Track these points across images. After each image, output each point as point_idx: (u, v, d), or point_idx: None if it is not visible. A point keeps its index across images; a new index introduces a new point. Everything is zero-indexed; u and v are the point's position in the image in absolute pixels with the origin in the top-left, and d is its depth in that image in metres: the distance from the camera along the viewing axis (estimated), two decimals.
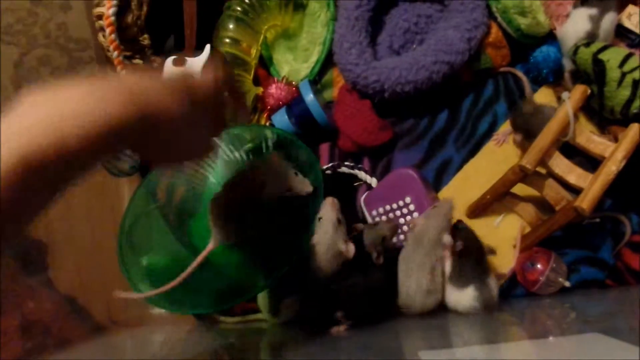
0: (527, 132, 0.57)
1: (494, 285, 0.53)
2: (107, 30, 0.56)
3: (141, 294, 0.53)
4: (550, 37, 0.62)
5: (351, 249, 0.52)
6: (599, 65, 0.53)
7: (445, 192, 0.63)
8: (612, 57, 0.52)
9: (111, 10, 0.56)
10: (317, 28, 0.65)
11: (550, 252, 0.57)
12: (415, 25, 0.65)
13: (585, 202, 0.51)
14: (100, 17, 0.57)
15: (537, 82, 0.63)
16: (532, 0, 0.61)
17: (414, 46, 0.65)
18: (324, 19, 0.65)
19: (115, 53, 0.58)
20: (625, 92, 0.52)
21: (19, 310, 0.92)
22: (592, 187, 0.51)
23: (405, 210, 0.59)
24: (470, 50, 0.61)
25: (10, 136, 0.25)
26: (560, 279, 0.56)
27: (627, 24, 0.59)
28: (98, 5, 0.57)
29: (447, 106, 0.65)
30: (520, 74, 0.63)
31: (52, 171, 0.26)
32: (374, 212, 0.61)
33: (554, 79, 0.62)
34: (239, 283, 0.58)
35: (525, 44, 0.63)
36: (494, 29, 0.63)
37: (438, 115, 0.65)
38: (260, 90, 0.65)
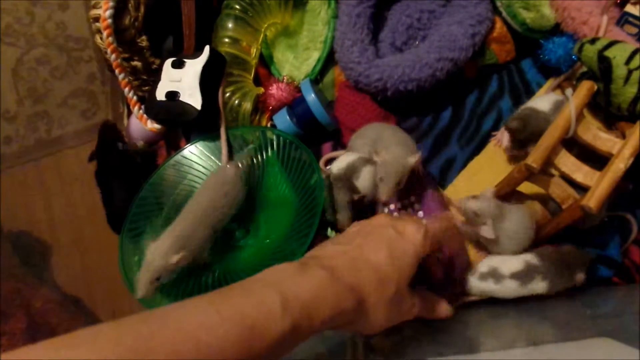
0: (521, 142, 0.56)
1: None
2: (105, 33, 0.56)
3: None
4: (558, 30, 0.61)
5: None
6: (605, 63, 0.52)
7: (450, 190, 0.62)
8: (619, 54, 0.51)
9: (108, 13, 0.55)
10: (318, 26, 0.64)
11: None
12: (418, 21, 0.64)
13: (592, 201, 0.50)
14: (97, 19, 0.56)
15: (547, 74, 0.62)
16: None
17: (417, 43, 0.64)
18: (324, 17, 0.64)
19: (113, 56, 0.57)
20: (632, 90, 0.51)
21: (26, 311, 0.92)
22: (600, 185, 0.50)
23: (410, 210, 0.59)
24: (474, 46, 0.60)
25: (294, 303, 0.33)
26: None
27: (633, 10, 0.58)
28: (94, 7, 0.56)
29: (451, 103, 0.64)
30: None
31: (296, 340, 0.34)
32: (385, 210, 0.60)
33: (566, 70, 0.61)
34: None
35: (530, 39, 0.62)
36: (498, 24, 0.62)
37: (441, 113, 0.64)
38: (261, 90, 0.64)
